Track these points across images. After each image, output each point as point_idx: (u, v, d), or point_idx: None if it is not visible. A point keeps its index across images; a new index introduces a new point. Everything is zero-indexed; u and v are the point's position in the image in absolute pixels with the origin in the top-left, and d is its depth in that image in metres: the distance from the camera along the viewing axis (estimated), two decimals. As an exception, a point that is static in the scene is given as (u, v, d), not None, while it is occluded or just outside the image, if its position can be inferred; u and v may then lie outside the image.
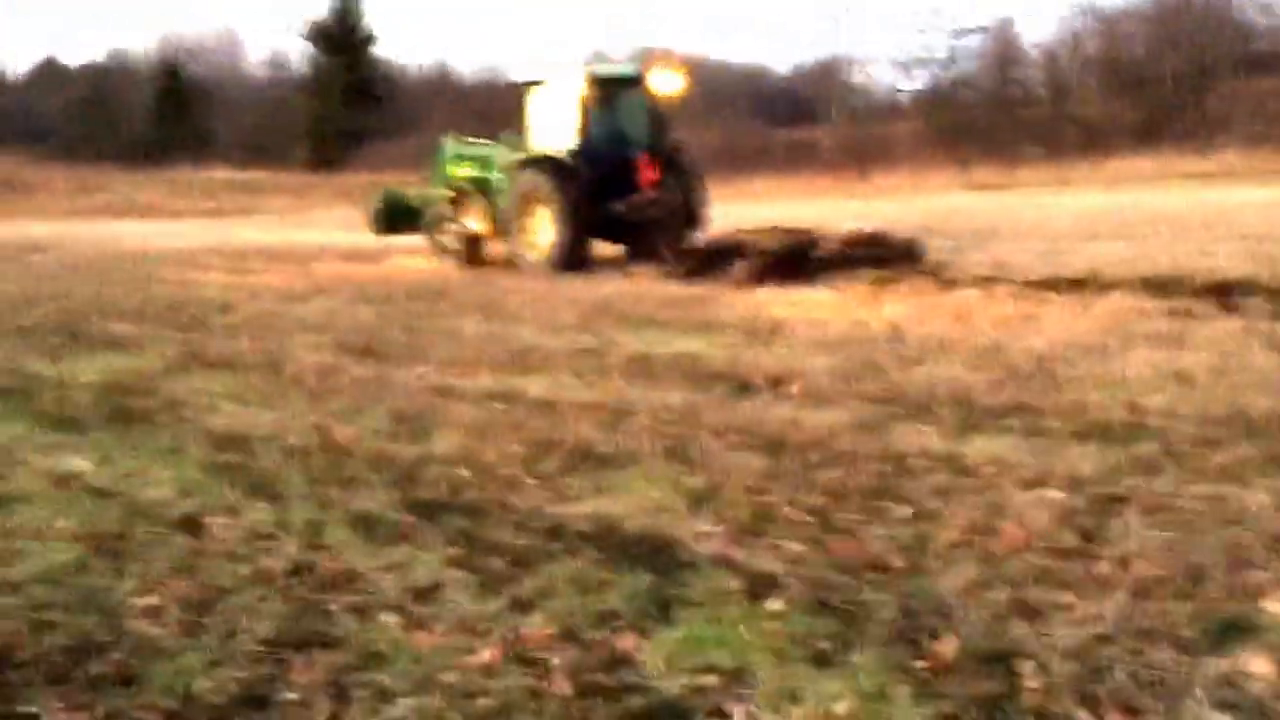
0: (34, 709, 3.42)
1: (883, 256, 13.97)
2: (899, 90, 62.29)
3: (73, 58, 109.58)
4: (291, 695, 3.45)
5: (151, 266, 19.99)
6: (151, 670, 3.63)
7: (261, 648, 3.77)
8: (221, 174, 61.11)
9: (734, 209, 26.62)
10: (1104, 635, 3.61)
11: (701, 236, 15.70)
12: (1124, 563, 4.18)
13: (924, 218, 21.74)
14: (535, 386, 7.81)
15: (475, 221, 18.15)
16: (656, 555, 4.49)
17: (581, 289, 13.13)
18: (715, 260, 14.48)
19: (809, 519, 4.85)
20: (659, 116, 17.49)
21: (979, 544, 4.42)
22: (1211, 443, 5.68)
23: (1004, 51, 57.40)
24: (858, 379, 7.49)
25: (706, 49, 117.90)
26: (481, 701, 3.36)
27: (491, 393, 7.65)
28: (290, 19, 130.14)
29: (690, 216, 16.66)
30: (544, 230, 16.33)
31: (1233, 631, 3.61)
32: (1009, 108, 54.16)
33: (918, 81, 59.82)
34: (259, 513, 5.14)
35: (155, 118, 72.75)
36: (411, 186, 21.02)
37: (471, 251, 18.30)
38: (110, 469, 6.05)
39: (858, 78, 62.75)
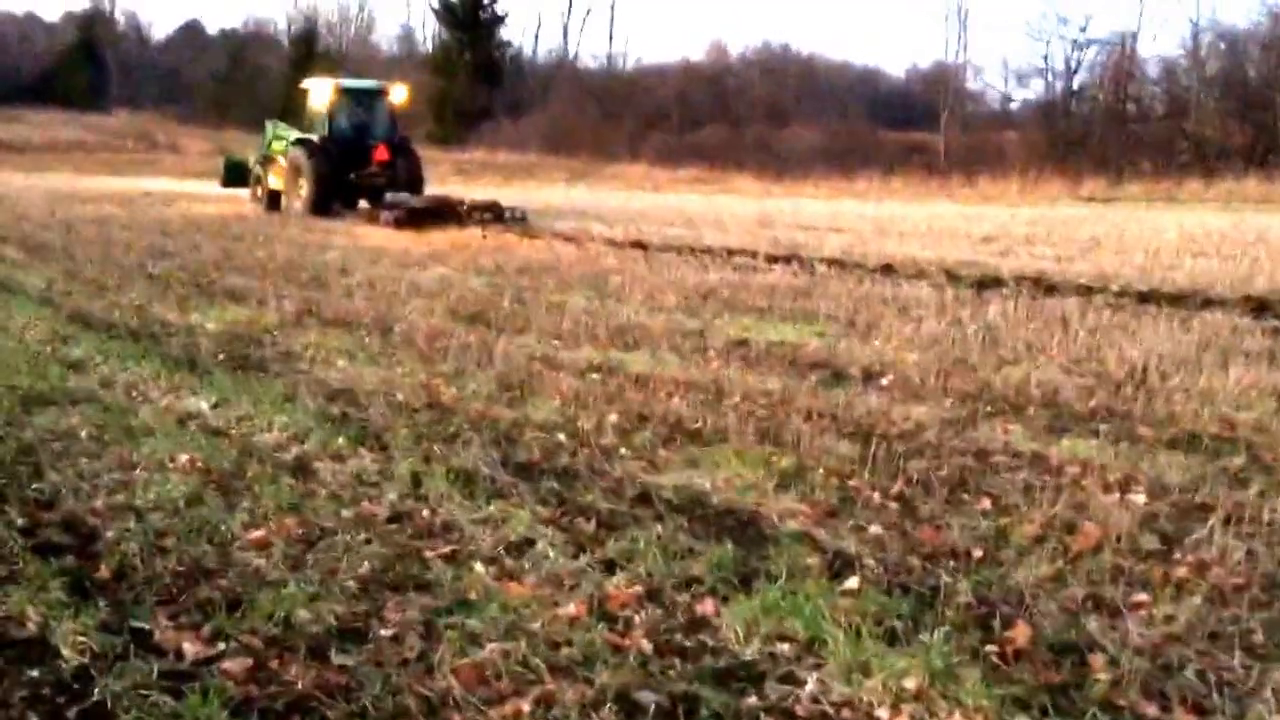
0: (146, 625, 3.62)
1: (497, 217, 21.76)
2: (1010, 100, 61.61)
3: (214, 23, 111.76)
4: (385, 632, 3.62)
5: (276, 228, 20.77)
6: (256, 598, 3.81)
7: (360, 586, 3.96)
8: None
9: (834, 206, 26.47)
10: (1176, 636, 3.64)
11: (416, 199, 23.14)
12: (1202, 568, 4.20)
13: (1028, 227, 21.52)
14: (634, 362, 7.97)
15: (276, 181, 25.89)
16: (741, 529, 4.62)
17: (686, 275, 13.26)
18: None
19: (892, 505, 4.95)
20: (393, 116, 26.21)
21: (1058, 540, 4.46)
22: (1301, 460, 5.65)
23: (1122, 65, 56.29)
24: (949, 375, 7.53)
25: (826, 48, 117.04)
26: (565, 651, 3.49)
27: (592, 365, 7.83)
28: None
29: (412, 186, 24.37)
30: (304, 189, 24.20)
31: (1306, 641, 3.62)
32: (1124, 121, 53.15)
33: (1031, 90, 59.06)
34: (365, 461, 5.37)
35: (289, 86, 73.82)
36: (249, 153, 29.21)
37: (271, 202, 25.98)
38: (228, 411, 6.34)
39: (971, 84, 62.09)
